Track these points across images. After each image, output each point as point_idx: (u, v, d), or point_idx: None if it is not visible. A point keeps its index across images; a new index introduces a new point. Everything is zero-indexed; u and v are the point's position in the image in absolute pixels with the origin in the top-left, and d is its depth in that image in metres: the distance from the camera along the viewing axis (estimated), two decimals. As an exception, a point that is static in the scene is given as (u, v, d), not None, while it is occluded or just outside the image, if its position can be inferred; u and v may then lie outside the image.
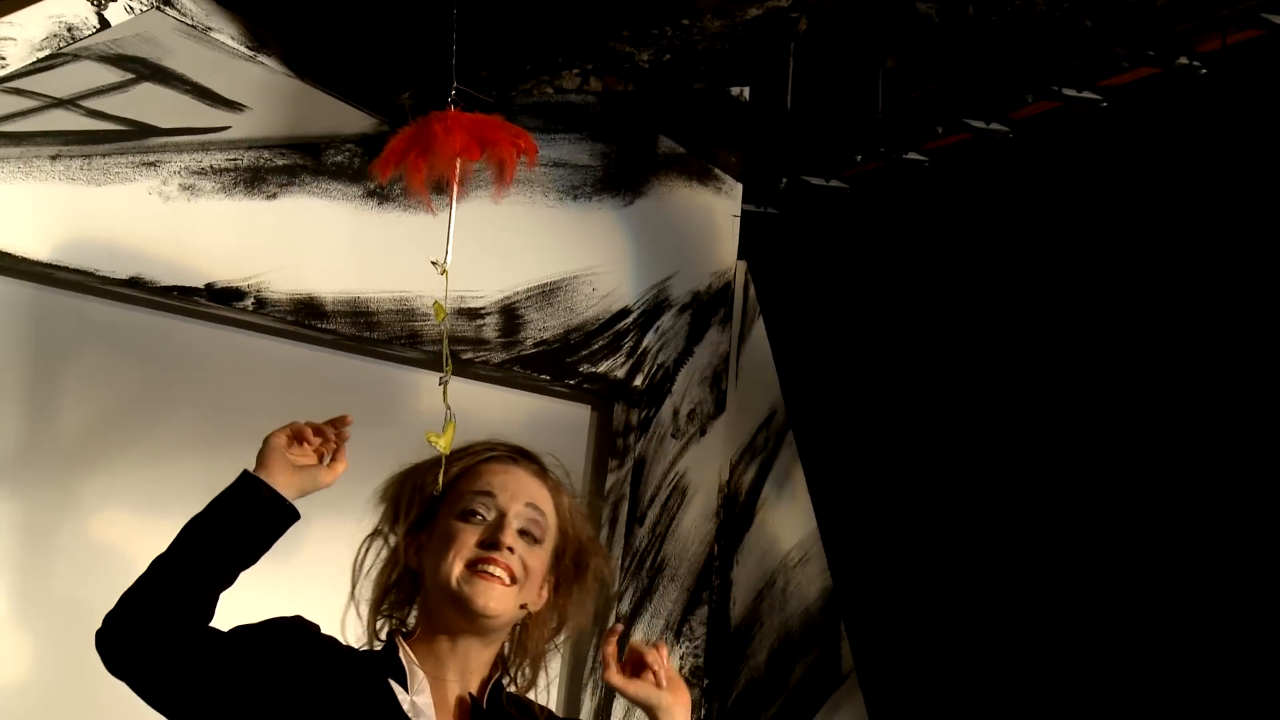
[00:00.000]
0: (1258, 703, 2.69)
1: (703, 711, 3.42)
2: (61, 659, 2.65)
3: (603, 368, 3.35)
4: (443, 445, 2.01)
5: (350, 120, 3.03)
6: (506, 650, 2.02)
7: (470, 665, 1.95)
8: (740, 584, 3.52)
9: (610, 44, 3.02)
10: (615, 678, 1.89)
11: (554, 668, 2.14)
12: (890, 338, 3.47)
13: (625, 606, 3.30)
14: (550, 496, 2.02)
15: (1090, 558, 3.01)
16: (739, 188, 3.57)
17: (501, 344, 3.20)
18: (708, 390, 3.49)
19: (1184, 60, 2.84)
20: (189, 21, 2.82)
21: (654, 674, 1.89)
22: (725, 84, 3.22)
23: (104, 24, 2.69)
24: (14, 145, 2.64)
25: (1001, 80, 3.04)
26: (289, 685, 1.83)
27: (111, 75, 2.75)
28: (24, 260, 2.66)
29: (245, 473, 1.86)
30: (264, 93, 2.93)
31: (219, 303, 2.85)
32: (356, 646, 1.98)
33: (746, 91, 3.23)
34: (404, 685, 1.90)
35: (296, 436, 1.92)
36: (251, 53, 2.91)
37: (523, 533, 1.96)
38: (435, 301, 2.08)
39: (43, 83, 2.67)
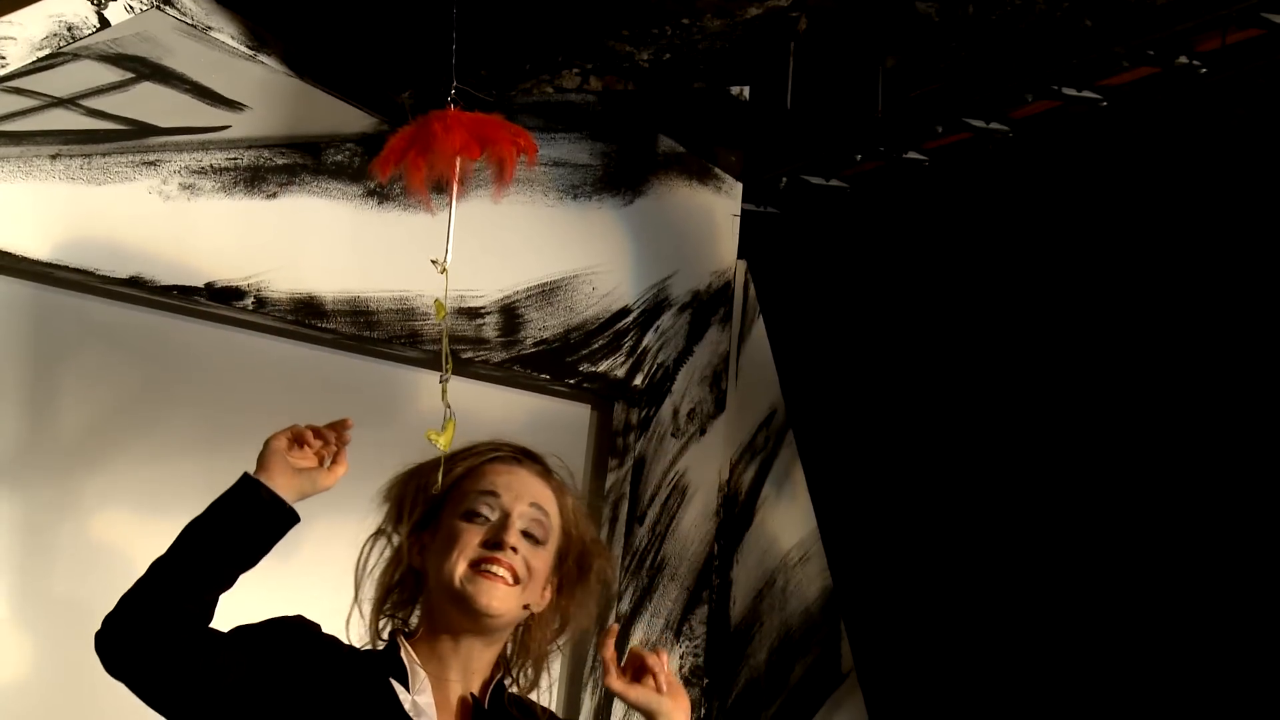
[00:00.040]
0: (1258, 703, 2.69)
1: (703, 711, 3.42)
2: (61, 659, 2.65)
3: (603, 367, 3.35)
4: (443, 444, 2.01)
5: (350, 119, 3.03)
6: (509, 651, 2.02)
7: (472, 665, 1.95)
8: (740, 583, 3.53)
9: (610, 43, 3.02)
10: (616, 683, 1.89)
11: (554, 668, 2.14)
12: (890, 337, 3.47)
13: (625, 606, 3.30)
14: (554, 497, 2.02)
15: (1090, 556, 3.01)
16: (739, 187, 3.57)
17: (501, 343, 3.20)
18: (708, 389, 3.49)
19: (1184, 60, 2.84)
20: (189, 21, 2.82)
21: (655, 679, 1.89)
22: (725, 83, 3.22)
23: (104, 23, 2.69)
24: (14, 144, 2.64)
25: (1001, 80, 3.04)
26: (289, 685, 1.83)
27: (111, 74, 2.75)
28: (24, 260, 2.66)
29: (245, 475, 1.86)
30: (264, 92, 2.93)
31: (219, 302, 2.85)
32: (359, 646, 1.97)
33: (746, 91, 3.23)
34: (405, 685, 1.90)
35: (297, 439, 1.92)
36: (251, 52, 2.91)
37: (526, 533, 1.96)
38: (436, 299, 2.08)
39: (43, 82, 2.67)
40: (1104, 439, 3.01)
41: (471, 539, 1.93)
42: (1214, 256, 2.87)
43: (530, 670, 2.04)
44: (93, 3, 2.69)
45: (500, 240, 3.18)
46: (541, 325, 3.26)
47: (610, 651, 1.90)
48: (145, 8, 2.74)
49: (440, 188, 2.13)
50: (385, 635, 1.99)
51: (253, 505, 1.83)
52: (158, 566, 1.80)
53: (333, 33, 2.96)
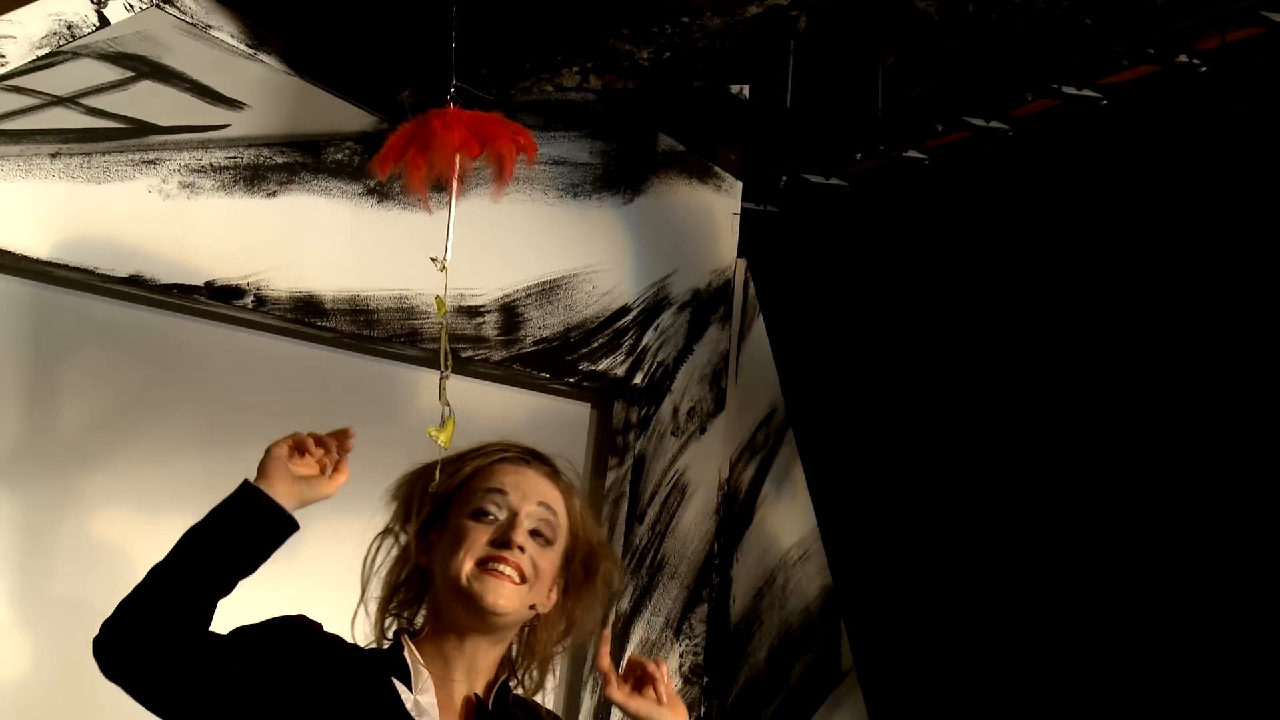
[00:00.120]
0: (1258, 703, 2.69)
1: (703, 709, 3.42)
2: (61, 658, 2.65)
3: (602, 365, 3.35)
4: (443, 441, 2.01)
5: (350, 118, 3.03)
6: (514, 653, 2.02)
7: (477, 665, 1.95)
8: (740, 582, 3.53)
9: (610, 42, 3.02)
10: (617, 694, 1.88)
11: (556, 669, 2.14)
12: (890, 336, 3.47)
13: (625, 605, 3.30)
14: (562, 498, 2.02)
15: (1089, 555, 3.01)
16: (739, 185, 3.57)
17: (501, 342, 3.20)
18: (707, 388, 3.49)
19: (1184, 58, 2.84)
20: (189, 19, 2.82)
21: (655, 689, 1.89)
22: (725, 82, 3.22)
23: (104, 22, 2.69)
24: (14, 143, 2.64)
25: (1001, 78, 3.04)
26: (289, 685, 1.83)
27: (111, 73, 2.74)
28: (24, 258, 2.66)
29: (245, 482, 1.86)
30: (264, 91, 2.93)
31: (219, 301, 2.85)
32: (364, 645, 1.97)
33: (746, 89, 3.23)
34: (408, 684, 1.90)
35: (298, 447, 1.92)
36: (251, 51, 2.91)
37: (534, 533, 1.96)
38: (436, 296, 2.08)
39: (42, 81, 2.67)
40: (1104, 437, 3.01)
41: (479, 537, 1.93)
42: (1214, 255, 2.87)
43: (535, 672, 2.04)
44: (92, 1, 2.68)
45: (500, 239, 3.18)
46: (541, 324, 3.26)
47: (607, 661, 1.90)
48: (145, 6, 2.74)
49: (440, 186, 2.14)
50: (391, 634, 1.99)
51: (252, 512, 1.83)
52: (156, 572, 1.80)
53: (332, 31, 2.96)
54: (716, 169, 3.54)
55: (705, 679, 3.41)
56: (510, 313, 3.22)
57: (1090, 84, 2.99)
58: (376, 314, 3.03)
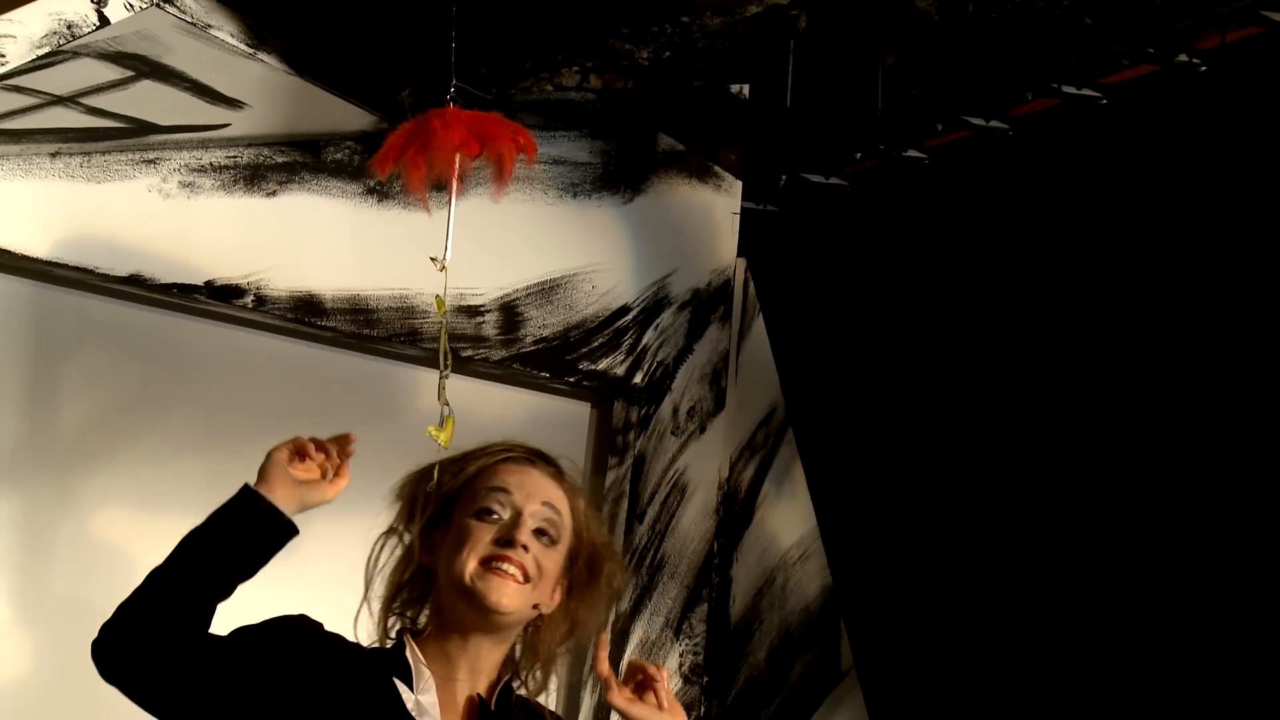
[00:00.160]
0: (1258, 703, 2.69)
1: (702, 709, 3.42)
2: (61, 658, 2.65)
3: (602, 365, 3.35)
4: (443, 440, 2.01)
5: (350, 117, 3.03)
6: (518, 654, 2.02)
7: (480, 665, 1.95)
8: (740, 581, 3.53)
9: (610, 41, 3.02)
10: (618, 699, 1.87)
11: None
12: (890, 335, 3.47)
13: (625, 604, 3.30)
14: (566, 499, 2.02)
15: (1089, 554, 3.01)
16: (739, 185, 3.57)
17: (501, 341, 3.20)
18: (707, 387, 3.49)
19: (1183, 57, 2.84)
20: (188, 19, 2.82)
21: (656, 694, 1.89)
22: (725, 81, 3.22)
23: (104, 21, 2.69)
24: (14, 143, 2.64)
25: (1001, 77, 3.04)
26: (289, 685, 1.83)
27: (111, 73, 2.74)
28: (24, 258, 2.66)
29: (245, 486, 1.86)
30: (263, 90, 2.93)
31: (219, 300, 2.85)
32: (367, 645, 1.97)
33: (746, 89, 3.23)
34: (410, 684, 1.90)
35: (299, 451, 1.91)
36: (251, 50, 2.91)
37: (539, 532, 1.96)
38: (436, 295, 2.08)
39: (42, 80, 2.67)
40: (1103, 436, 3.01)
41: (483, 536, 1.93)
42: (1214, 254, 2.87)
43: (539, 673, 2.03)
44: (92, 1, 2.68)
45: (500, 238, 3.18)
46: (541, 323, 3.26)
47: (605, 666, 1.89)
48: (145, 6, 2.74)
49: (439, 186, 2.14)
50: (394, 634, 1.99)
51: (251, 517, 1.83)
52: (155, 576, 1.80)
53: (332, 31, 2.96)
54: (716, 168, 3.54)
55: (705, 679, 3.41)
56: (510, 312, 3.22)
57: (1090, 83, 2.99)
58: (376, 313, 3.03)
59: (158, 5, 2.77)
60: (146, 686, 1.78)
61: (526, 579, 1.92)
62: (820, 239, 3.61)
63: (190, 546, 1.81)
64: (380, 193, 3.04)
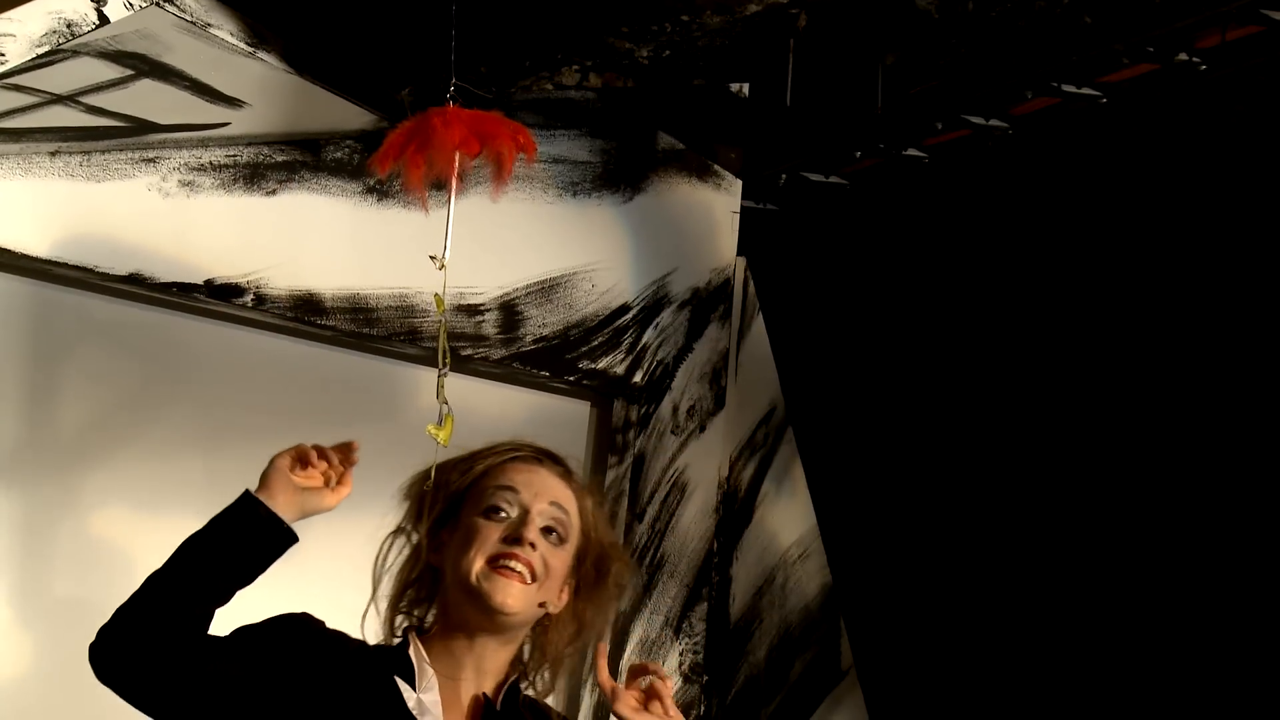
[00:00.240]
0: (1258, 703, 2.69)
1: (702, 708, 3.42)
2: (61, 658, 2.65)
3: (602, 364, 3.35)
4: (442, 439, 2.01)
5: (349, 116, 3.03)
6: (525, 654, 2.01)
7: (486, 665, 1.94)
8: (740, 580, 3.53)
9: (610, 40, 3.02)
10: (624, 709, 1.86)
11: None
12: (890, 334, 3.47)
13: (625, 603, 3.29)
14: (575, 499, 2.01)
15: (1089, 553, 3.01)
16: (738, 184, 3.57)
17: (501, 340, 3.20)
18: (707, 386, 3.49)
19: (1183, 56, 2.84)
20: (188, 18, 2.82)
21: (662, 703, 1.88)
22: (725, 80, 3.22)
23: (103, 20, 2.69)
24: (13, 141, 2.64)
25: (1001, 76, 3.04)
26: (287, 684, 1.83)
27: (111, 71, 2.74)
28: (23, 256, 2.66)
29: (245, 492, 1.86)
30: (263, 89, 2.93)
31: (218, 299, 2.85)
32: (375, 643, 1.97)
33: (746, 88, 3.23)
34: (412, 683, 1.89)
35: (301, 459, 1.91)
36: (251, 49, 2.91)
37: (546, 530, 1.95)
38: (435, 294, 2.08)
39: (42, 79, 2.67)
40: (1103, 435, 3.01)
41: (491, 535, 1.92)
42: (1213, 253, 2.87)
43: (547, 673, 2.03)
44: (92, 0, 2.69)
45: (500, 237, 3.18)
46: (541, 322, 3.26)
47: (606, 675, 1.87)
48: (145, 5, 2.74)
49: (439, 185, 2.13)
50: (400, 633, 1.98)
51: (250, 523, 1.83)
52: (153, 580, 1.80)
53: (332, 30, 2.96)
54: (716, 167, 3.54)
55: (705, 677, 3.41)
56: (510, 311, 3.22)
57: (1090, 82, 2.99)
58: (376, 312, 3.02)
59: (157, 4, 2.76)
60: (142, 689, 1.78)
61: (533, 578, 1.92)
62: (820, 238, 3.61)
63: (188, 552, 1.82)
64: (380, 192, 3.04)
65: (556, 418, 3.37)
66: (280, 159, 2.94)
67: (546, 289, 3.28)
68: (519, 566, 1.90)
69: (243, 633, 1.86)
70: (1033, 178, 3.19)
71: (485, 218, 2.99)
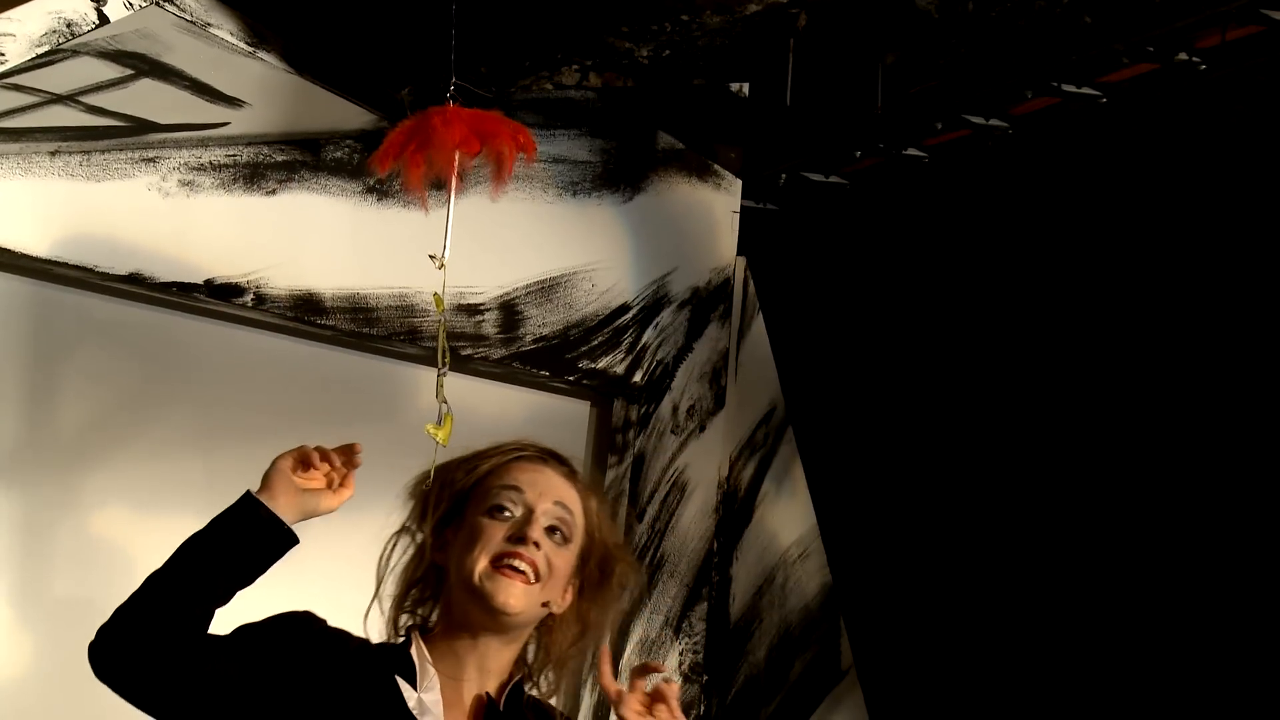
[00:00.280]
0: (1258, 703, 2.69)
1: (702, 708, 3.42)
2: (61, 657, 2.65)
3: (602, 364, 3.35)
4: (441, 439, 2.01)
5: (349, 116, 3.03)
6: (530, 654, 2.01)
7: (489, 665, 1.94)
8: (740, 580, 3.53)
9: (610, 40, 3.02)
10: (629, 712, 1.85)
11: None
12: (890, 334, 3.47)
13: (624, 603, 3.29)
14: (579, 499, 2.01)
15: (1089, 552, 3.01)
16: (738, 184, 3.57)
17: (501, 340, 3.20)
18: (707, 386, 3.49)
19: (1183, 56, 2.84)
20: (188, 18, 2.82)
21: (669, 706, 1.87)
22: (725, 80, 3.22)
23: (103, 20, 2.69)
24: (13, 141, 2.64)
25: (1001, 76, 3.04)
26: (286, 683, 1.83)
27: (111, 71, 2.74)
28: (23, 256, 2.66)
29: (247, 493, 1.86)
30: (263, 89, 2.93)
31: (218, 299, 2.85)
32: (378, 642, 1.97)
33: (746, 87, 3.23)
34: (413, 682, 1.89)
35: (303, 461, 1.91)
36: (251, 49, 2.91)
37: (550, 530, 1.95)
38: (435, 293, 2.08)
39: (42, 78, 2.67)
40: (1103, 434, 3.01)
41: (495, 534, 1.92)
42: (1213, 253, 2.87)
43: (551, 674, 2.02)
44: (92, 0, 2.69)
45: (499, 237, 3.18)
46: (541, 322, 3.26)
47: (609, 679, 1.87)
48: (145, 4, 2.74)
49: (439, 184, 2.13)
50: (403, 631, 1.98)
51: (251, 524, 1.83)
52: (154, 580, 1.80)
53: (332, 29, 2.96)
54: (716, 167, 3.54)
55: (705, 677, 3.41)
56: (510, 311, 3.22)
57: (1090, 82, 2.99)
58: (376, 312, 3.02)
59: (157, 4, 2.76)
60: (142, 689, 1.78)
61: (537, 578, 1.91)
62: (820, 237, 3.61)
63: (188, 552, 1.82)
64: (380, 191, 3.04)
65: (556, 417, 3.37)
66: (280, 159, 2.94)
67: (546, 289, 3.28)
68: (523, 566, 1.90)
69: (244, 631, 1.86)
70: (1033, 178, 3.19)
71: (485, 217, 2.99)
